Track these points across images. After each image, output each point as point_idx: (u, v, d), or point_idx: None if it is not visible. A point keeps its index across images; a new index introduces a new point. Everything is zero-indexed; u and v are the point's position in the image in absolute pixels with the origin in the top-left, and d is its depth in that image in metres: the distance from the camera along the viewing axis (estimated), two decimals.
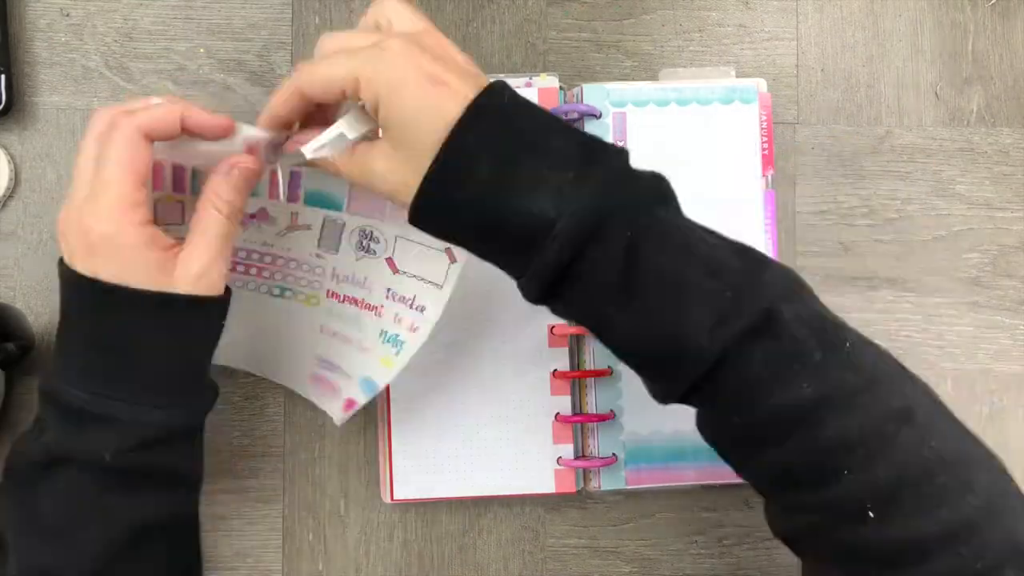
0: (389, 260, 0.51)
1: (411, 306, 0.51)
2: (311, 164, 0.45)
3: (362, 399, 0.53)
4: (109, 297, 0.42)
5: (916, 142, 0.60)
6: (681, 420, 0.56)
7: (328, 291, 0.53)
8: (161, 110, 0.43)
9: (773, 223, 0.58)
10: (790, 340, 0.40)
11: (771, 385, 0.40)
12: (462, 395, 0.56)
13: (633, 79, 0.59)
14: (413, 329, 0.51)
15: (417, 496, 0.56)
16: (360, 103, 0.43)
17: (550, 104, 0.56)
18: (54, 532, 0.43)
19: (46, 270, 0.57)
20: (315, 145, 0.43)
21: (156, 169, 0.46)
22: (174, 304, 0.43)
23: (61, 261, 0.44)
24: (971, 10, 0.60)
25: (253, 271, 0.54)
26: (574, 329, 0.56)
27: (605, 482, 0.57)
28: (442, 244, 0.50)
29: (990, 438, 0.59)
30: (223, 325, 0.46)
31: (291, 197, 0.51)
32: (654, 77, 0.59)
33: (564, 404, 0.57)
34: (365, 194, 0.50)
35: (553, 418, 0.56)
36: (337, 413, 0.54)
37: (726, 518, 0.58)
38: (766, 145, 0.57)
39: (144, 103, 0.44)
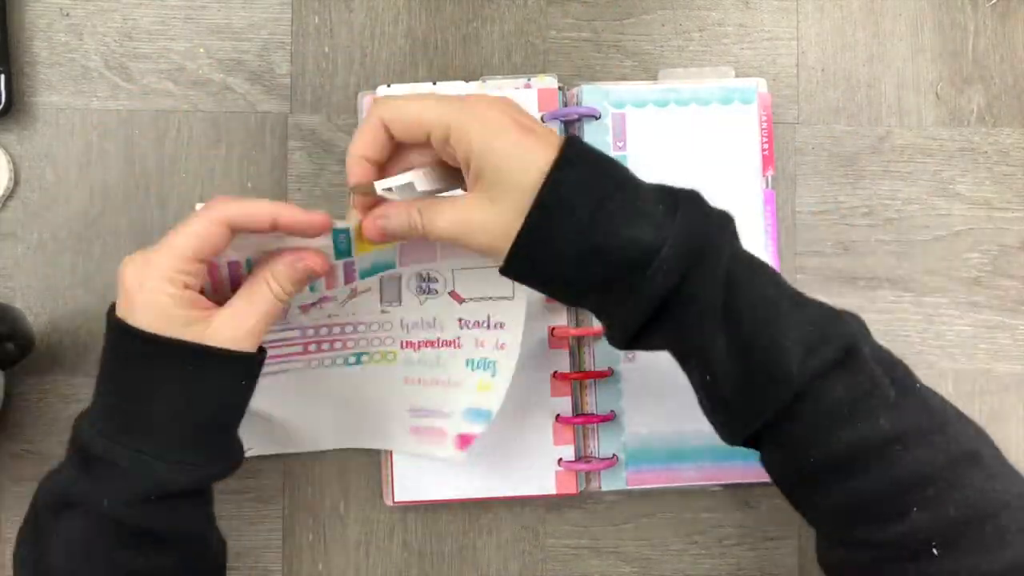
0: (453, 293, 0.52)
1: (489, 327, 0.51)
2: (389, 240, 0.45)
3: (477, 429, 0.52)
4: (136, 342, 0.43)
5: (916, 142, 0.60)
6: (681, 421, 0.56)
7: (402, 342, 0.53)
8: (255, 207, 0.44)
9: (773, 223, 0.58)
10: (868, 377, 0.41)
11: (850, 419, 0.41)
12: None
13: (633, 79, 0.59)
14: (500, 346, 0.51)
15: (418, 498, 0.56)
16: (428, 168, 0.44)
17: (550, 105, 0.56)
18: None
19: (46, 270, 0.57)
20: (385, 184, 0.44)
21: (212, 267, 0.46)
22: (198, 355, 0.43)
23: (113, 304, 0.45)
24: (971, 10, 0.60)
25: (326, 346, 0.53)
26: (575, 330, 0.56)
27: (606, 483, 0.57)
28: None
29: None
30: (252, 385, 0.46)
31: (348, 279, 0.50)
32: (654, 77, 0.59)
33: (565, 405, 0.57)
34: (412, 245, 0.49)
35: (554, 419, 0.56)
36: (453, 453, 0.53)
37: (726, 518, 0.58)
38: (766, 145, 0.57)
39: (251, 200, 0.44)
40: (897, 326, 0.59)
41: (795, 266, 0.59)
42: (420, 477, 0.56)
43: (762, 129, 0.57)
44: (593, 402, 0.57)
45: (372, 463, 0.57)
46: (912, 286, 0.59)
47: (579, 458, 0.57)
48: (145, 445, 0.43)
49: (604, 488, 0.57)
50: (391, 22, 0.58)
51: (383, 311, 0.52)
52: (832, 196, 0.59)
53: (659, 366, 0.57)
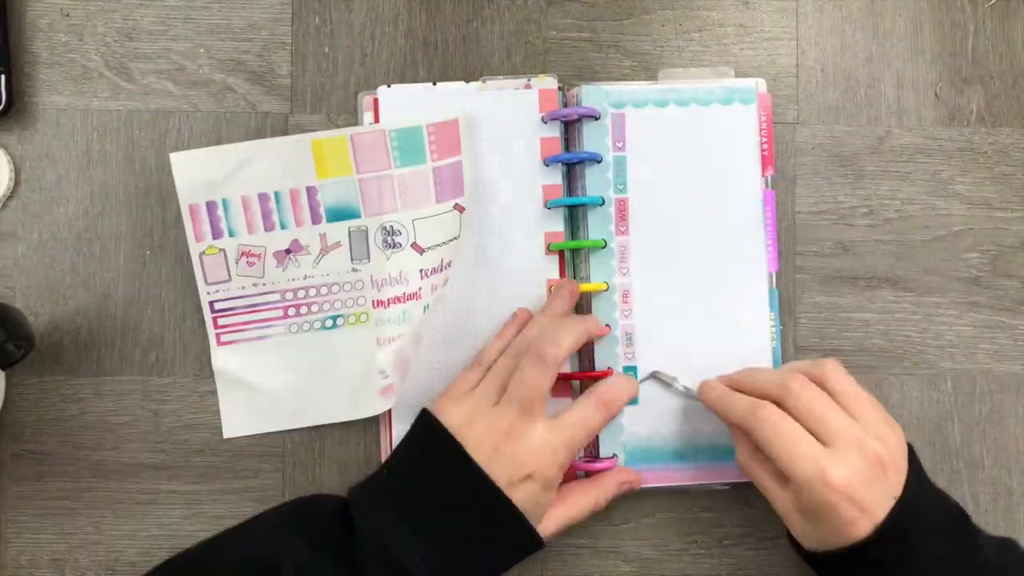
0: (415, 245, 0.54)
1: (442, 269, 0.55)
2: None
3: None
4: (507, 514, 0.48)
5: (916, 142, 0.60)
6: (681, 421, 0.56)
7: (374, 301, 0.55)
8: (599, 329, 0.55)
9: (773, 223, 0.58)
10: None
11: None
12: None
13: (633, 79, 0.59)
14: (445, 282, 0.55)
15: None
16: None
17: (550, 106, 0.56)
18: None
19: (46, 270, 0.57)
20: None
21: None
22: (531, 542, 0.50)
23: (454, 442, 0.49)
24: (971, 10, 0.60)
25: (303, 309, 0.56)
26: None
27: None
28: (451, 200, 0.54)
29: (990, 438, 0.60)
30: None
31: (314, 218, 0.55)
32: (653, 77, 0.59)
33: (565, 406, 0.56)
34: (372, 190, 0.54)
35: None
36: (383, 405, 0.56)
37: (726, 518, 0.58)
38: (766, 145, 0.57)
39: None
40: (897, 326, 0.59)
41: (795, 266, 0.59)
42: None
43: (761, 129, 0.57)
44: None
45: (372, 463, 0.57)
46: (912, 286, 0.59)
47: (580, 458, 0.57)
48: None
49: None
50: (391, 22, 0.59)
51: (354, 269, 0.55)
52: (832, 196, 0.59)
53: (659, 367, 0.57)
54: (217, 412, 0.57)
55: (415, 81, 0.58)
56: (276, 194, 0.55)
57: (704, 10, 0.60)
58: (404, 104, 0.56)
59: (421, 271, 0.54)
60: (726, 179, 0.57)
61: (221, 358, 0.56)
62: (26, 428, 0.57)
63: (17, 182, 0.57)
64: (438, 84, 0.57)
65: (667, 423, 0.56)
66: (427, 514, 0.48)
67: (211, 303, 0.56)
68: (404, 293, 0.54)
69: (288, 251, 0.55)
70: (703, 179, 0.57)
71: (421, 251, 0.54)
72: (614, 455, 0.56)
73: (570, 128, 0.57)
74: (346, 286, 0.56)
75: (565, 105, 0.57)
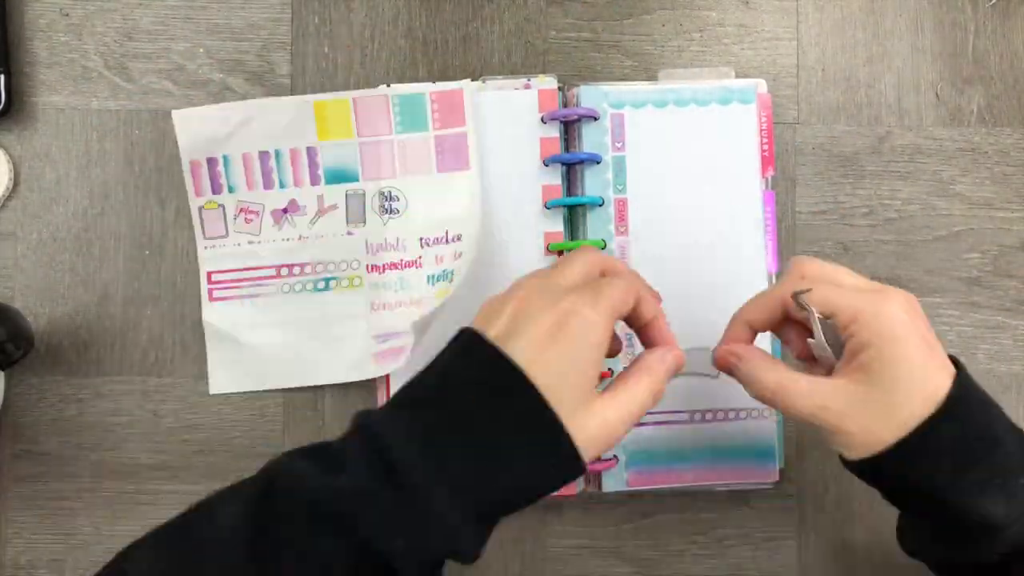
0: (414, 213, 0.54)
1: (447, 241, 0.54)
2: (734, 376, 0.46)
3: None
4: (527, 399, 0.38)
5: (916, 142, 0.60)
6: (682, 422, 0.56)
7: (368, 266, 0.55)
8: (649, 294, 0.44)
9: (773, 224, 0.58)
10: None
11: None
12: None
13: (633, 79, 0.59)
14: (457, 256, 0.53)
15: None
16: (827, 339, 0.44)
17: (549, 106, 0.56)
18: None
19: (46, 270, 0.57)
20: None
21: None
22: (560, 446, 0.38)
23: (477, 335, 0.40)
24: (971, 10, 0.60)
25: (296, 270, 0.56)
26: None
27: (607, 484, 0.56)
28: (454, 170, 0.54)
29: None
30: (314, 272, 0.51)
31: (313, 179, 0.55)
32: (654, 77, 0.59)
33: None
34: (372, 155, 0.54)
35: None
36: (404, 364, 0.53)
37: (726, 518, 0.58)
38: (766, 146, 0.57)
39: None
40: None
41: None
42: None
43: (761, 130, 0.57)
44: None
45: None
46: (912, 286, 0.59)
47: None
48: (466, 502, 0.38)
49: (605, 489, 0.57)
50: (391, 22, 0.58)
51: (348, 232, 0.56)
52: (832, 196, 0.59)
53: None
54: (217, 412, 0.57)
55: (415, 81, 0.58)
56: (277, 152, 0.55)
57: (704, 10, 0.59)
58: None
59: (422, 240, 0.54)
60: (725, 180, 0.57)
61: (212, 313, 0.56)
62: (26, 428, 0.57)
63: (16, 182, 0.57)
64: (438, 84, 0.57)
65: (668, 424, 0.56)
66: (434, 407, 0.39)
67: (206, 259, 0.56)
68: (401, 260, 0.55)
69: (285, 210, 0.55)
70: (702, 180, 0.57)
71: (419, 218, 0.54)
72: (614, 456, 0.56)
73: (569, 128, 0.57)
74: (341, 249, 0.56)
75: (565, 105, 0.57)
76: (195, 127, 0.55)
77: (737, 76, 0.58)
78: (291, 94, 0.58)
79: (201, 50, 0.58)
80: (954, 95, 0.60)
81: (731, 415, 0.56)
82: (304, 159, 0.55)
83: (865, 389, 0.41)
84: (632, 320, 0.44)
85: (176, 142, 0.57)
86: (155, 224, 0.57)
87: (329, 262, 0.56)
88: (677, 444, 0.56)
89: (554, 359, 0.38)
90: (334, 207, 0.56)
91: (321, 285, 0.56)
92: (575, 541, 0.58)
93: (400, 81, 0.58)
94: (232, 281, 0.56)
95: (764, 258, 0.57)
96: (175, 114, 0.56)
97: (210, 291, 0.57)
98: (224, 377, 0.57)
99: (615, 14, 0.59)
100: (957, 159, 0.60)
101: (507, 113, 0.56)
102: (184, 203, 0.57)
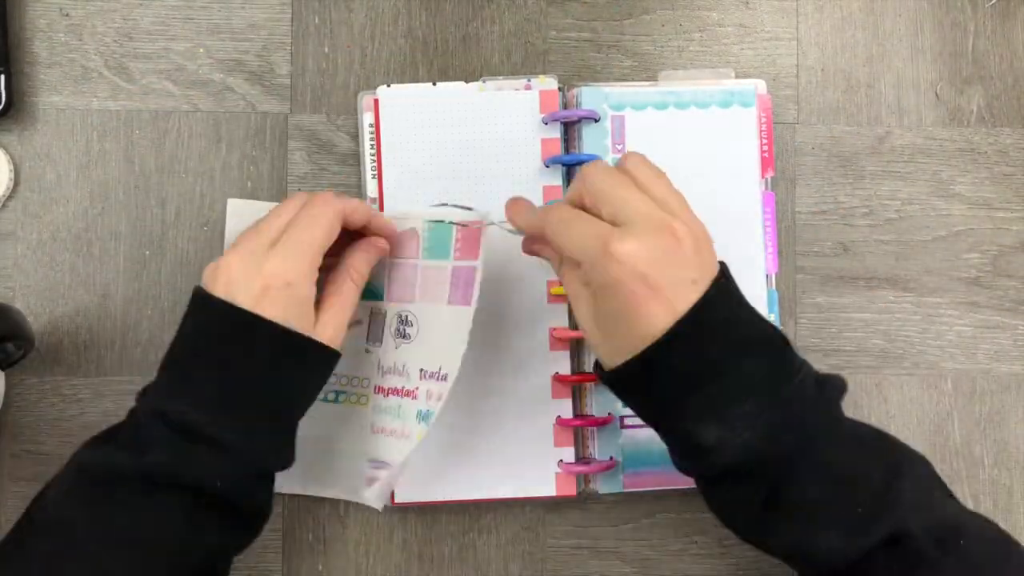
0: (421, 341, 0.53)
1: (438, 378, 0.52)
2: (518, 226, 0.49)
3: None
4: (263, 332, 0.45)
5: (916, 142, 0.60)
6: None
7: (376, 387, 0.55)
8: (358, 204, 0.51)
9: (773, 225, 0.58)
10: (915, 554, 0.42)
11: None
12: (464, 398, 0.56)
13: (633, 79, 0.59)
14: (439, 398, 0.52)
15: (419, 500, 0.56)
16: None
17: (551, 107, 0.56)
18: (132, 547, 0.44)
19: (46, 270, 0.57)
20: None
21: None
22: (312, 349, 0.47)
23: (202, 291, 0.47)
24: (971, 10, 0.60)
25: None
26: (575, 333, 0.56)
27: (603, 485, 0.56)
28: (460, 305, 0.52)
29: (990, 438, 0.60)
30: (327, 382, 0.50)
31: None
32: (654, 77, 0.59)
33: (565, 407, 0.56)
34: (399, 276, 0.54)
35: (554, 421, 0.56)
36: (379, 500, 0.54)
37: None
38: (766, 147, 0.57)
39: (351, 199, 0.51)
40: (897, 326, 0.59)
41: (795, 266, 0.59)
42: (420, 478, 0.56)
43: (761, 131, 0.57)
44: (592, 404, 0.57)
45: None
46: (912, 286, 0.59)
47: (578, 460, 0.57)
48: (256, 427, 0.46)
49: (601, 491, 0.57)
50: (391, 22, 0.58)
51: (367, 350, 0.55)
52: (832, 196, 0.59)
53: None
54: None
55: (415, 81, 0.58)
56: None
57: (704, 10, 0.59)
58: (404, 104, 0.56)
59: (421, 371, 0.53)
60: (725, 181, 0.57)
61: None
62: (26, 428, 0.57)
63: (17, 182, 0.57)
64: (438, 84, 0.57)
65: None
66: (191, 365, 0.46)
67: None
68: (403, 387, 0.54)
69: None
70: (702, 181, 0.57)
71: (424, 347, 0.54)
72: (611, 458, 0.56)
73: (570, 129, 0.57)
74: (356, 365, 0.55)
75: (565, 106, 0.57)
76: (246, 218, 0.54)
77: (737, 76, 0.58)
78: (291, 94, 0.58)
79: (201, 50, 0.58)
80: (954, 95, 0.60)
81: None
82: None
83: (599, 316, 0.44)
84: (352, 230, 0.51)
85: (175, 142, 0.57)
86: (155, 224, 0.57)
87: (343, 375, 0.55)
88: None
89: (269, 308, 0.46)
90: (359, 322, 0.55)
91: (331, 397, 0.55)
92: (575, 541, 0.58)
93: (400, 81, 0.58)
94: None
95: (763, 259, 0.57)
96: (230, 202, 0.56)
97: None
98: None
99: (615, 14, 0.59)
100: (957, 159, 0.60)
101: (507, 114, 0.56)
102: (184, 203, 0.57)
